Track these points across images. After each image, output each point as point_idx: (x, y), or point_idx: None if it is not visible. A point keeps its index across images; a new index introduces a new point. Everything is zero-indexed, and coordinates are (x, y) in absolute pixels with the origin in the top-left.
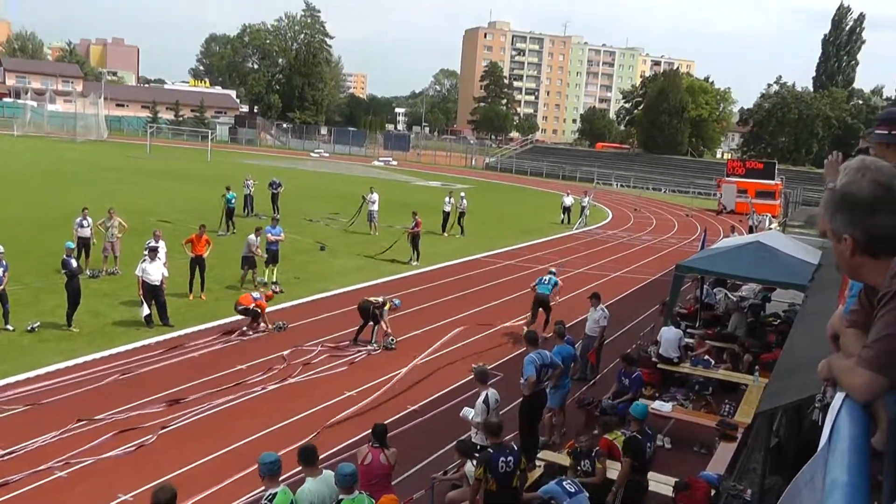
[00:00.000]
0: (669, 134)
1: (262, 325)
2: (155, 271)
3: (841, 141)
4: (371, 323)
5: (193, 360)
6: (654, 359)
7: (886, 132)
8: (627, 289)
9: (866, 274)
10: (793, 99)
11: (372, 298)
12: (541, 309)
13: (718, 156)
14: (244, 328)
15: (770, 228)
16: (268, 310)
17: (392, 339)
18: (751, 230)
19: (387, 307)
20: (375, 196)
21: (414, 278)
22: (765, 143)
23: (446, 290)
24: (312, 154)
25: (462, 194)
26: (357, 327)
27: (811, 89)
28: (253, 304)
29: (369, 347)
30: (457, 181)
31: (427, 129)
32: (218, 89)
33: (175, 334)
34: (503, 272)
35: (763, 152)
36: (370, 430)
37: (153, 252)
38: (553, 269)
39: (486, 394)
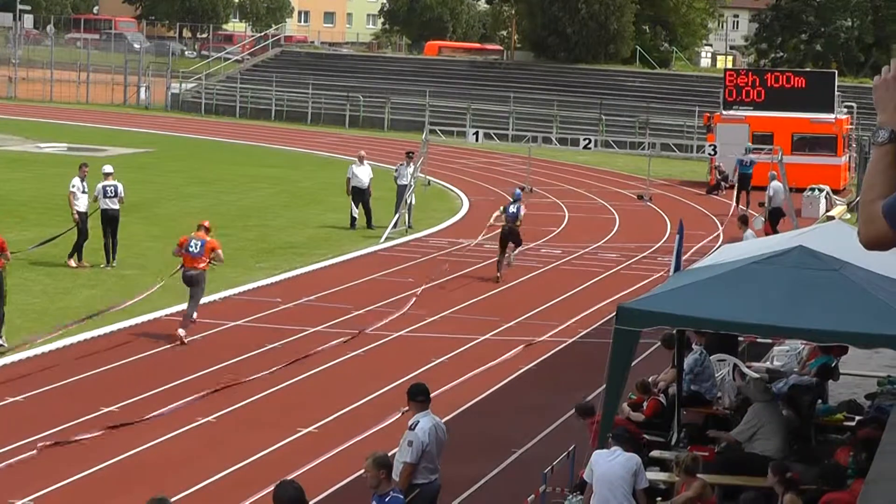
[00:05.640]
0: (591, 18)
1: None
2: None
3: None
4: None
5: None
6: None
7: None
8: (511, 370)
9: None
10: None
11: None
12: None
13: (704, 63)
14: None
15: (829, 217)
16: None
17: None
18: (772, 222)
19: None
20: None
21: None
22: (806, 28)
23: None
24: None
25: (107, 169)
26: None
27: None
28: None
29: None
30: (105, 138)
31: (30, 21)
32: None
33: None
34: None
35: (804, 50)
36: None
37: None
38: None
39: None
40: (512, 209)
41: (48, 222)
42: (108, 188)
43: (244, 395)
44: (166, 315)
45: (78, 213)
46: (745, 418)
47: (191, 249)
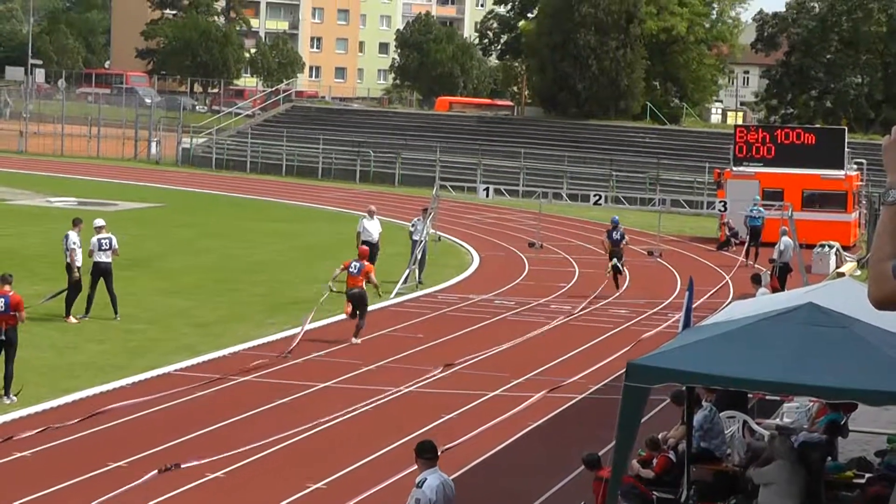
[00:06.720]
0: (601, 74)
1: None
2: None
3: None
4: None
5: None
6: None
7: None
8: (521, 426)
9: None
10: None
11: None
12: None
13: (714, 119)
14: None
15: (840, 273)
16: None
17: None
18: (780, 278)
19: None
20: None
21: None
22: (816, 84)
23: None
24: None
25: (99, 223)
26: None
27: None
28: None
29: None
30: (115, 193)
31: (41, 76)
32: None
33: None
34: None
35: (814, 107)
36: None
37: None
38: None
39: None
40: (616, 235)
41: (59, 276)
42: (102, 241)
43: (254, 449)
44: (175, 370)
45: (78, 268)
46: (767, 468)
47: (351, 270)
